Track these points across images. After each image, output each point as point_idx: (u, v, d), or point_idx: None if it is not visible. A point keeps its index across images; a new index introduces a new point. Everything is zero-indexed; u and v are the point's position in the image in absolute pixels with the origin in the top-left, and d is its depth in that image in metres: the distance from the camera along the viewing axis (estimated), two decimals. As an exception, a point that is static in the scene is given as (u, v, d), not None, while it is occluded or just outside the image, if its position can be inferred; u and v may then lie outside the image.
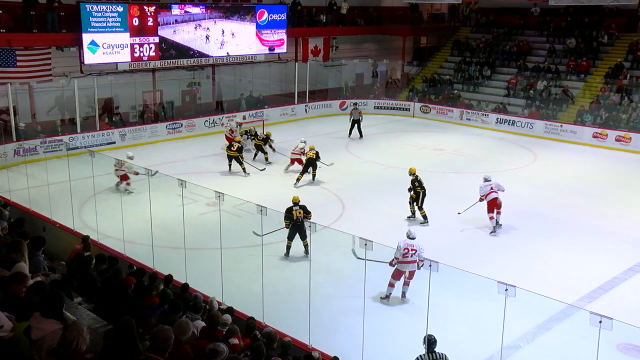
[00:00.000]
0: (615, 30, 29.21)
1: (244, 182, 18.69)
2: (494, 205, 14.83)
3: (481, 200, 14.98)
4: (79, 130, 21.96)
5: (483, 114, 27.67)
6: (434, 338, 7.70)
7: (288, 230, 12.87)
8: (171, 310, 7.39)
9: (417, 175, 15.57)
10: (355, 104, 25.76)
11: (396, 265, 11.10)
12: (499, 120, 26.99)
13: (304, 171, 18.30)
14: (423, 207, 15.38)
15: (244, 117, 25.41)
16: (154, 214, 12.27)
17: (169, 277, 9.59)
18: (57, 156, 19.54)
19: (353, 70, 34.25)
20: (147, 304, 7.91)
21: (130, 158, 17.24)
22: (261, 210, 9.61)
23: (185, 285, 9.39)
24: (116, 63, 22.98)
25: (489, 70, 30.88)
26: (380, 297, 11.31)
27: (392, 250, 10.75)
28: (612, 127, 24.46)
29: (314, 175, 18.54)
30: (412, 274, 11.21)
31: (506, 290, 7.24)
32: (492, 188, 14.90)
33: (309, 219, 12.71)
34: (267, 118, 25.81)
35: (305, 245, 12.80)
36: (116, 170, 16.67)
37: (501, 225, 14.90)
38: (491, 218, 14.86)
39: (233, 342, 7.23)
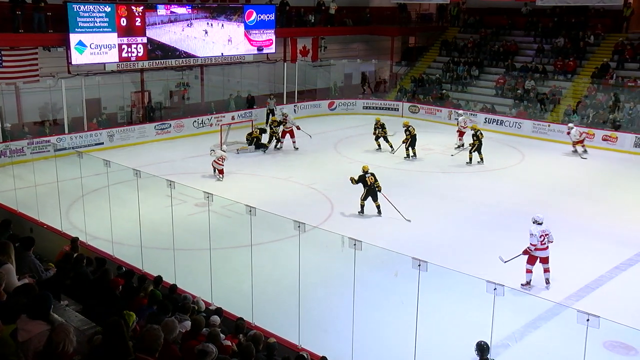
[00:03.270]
0: (601, 31, 29.43)
1: (233, 182, 18.65)
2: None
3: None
4: (66, 131, 21.82)
5: (471, 114, 27.74)
6: (487, 344, 7.47)
7: (365, 193, 15.75)
8: (160, 311, 7.36)
9: (409, 125, 21.28)
10: (270, 96, 27.72)
11: (532, 252, 11.78)
12: (487, 120, 27.10)
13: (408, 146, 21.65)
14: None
15: (233, 118, 25.39)
16: (142, 214, 12.20)
17: (159, 278, 9.54)
18: (44, 157, 19.41)
19: (342, 70, 34.28)
20: (135, 305, 7.87)
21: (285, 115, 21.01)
22: (250, 211, 9.59)
23: (174, 287, 9.35)
24: (104, 63, 22.82)
25: (477, 70, 31.01)
26: (521, 284, 11.82)
27: (382, 251, 10.76)
28: (598, 126, 24.64)
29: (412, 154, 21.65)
30: (545, 259, 11.85)
31: (495, 289, 7.27)
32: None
33: (379, 188, 15.67)
34: (256, 118, 25.79)
35: (378, 206, 15.75)
36: (284, 130, 20.84)
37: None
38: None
39: (226, 343, 7.21)
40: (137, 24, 23.38)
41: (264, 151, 22.19)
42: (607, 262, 13.10)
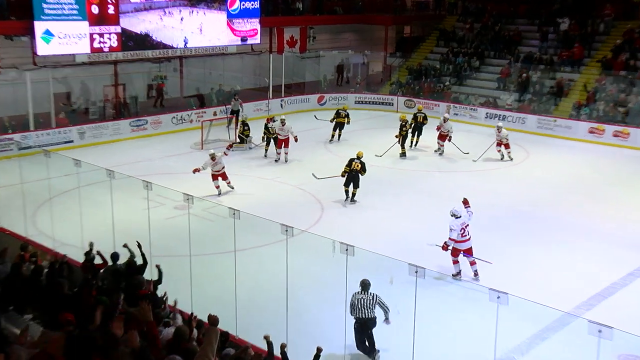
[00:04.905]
0: (611, 17, 29.35)
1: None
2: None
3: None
4: (31, 128, 21.61)
5: (471, 109, 27.81)
6: (369, 282, 9.59)
7: (345, 178, 16.69)
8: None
9: (407, 120, 21.78)
10: (235, 96, 25.90)
11: (451, 246, 12.27)
12: (488, 115, 27.14)
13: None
14: (404, 145, 21.58)
15: (215, 114, 25.29)
16: (116, 218, 12.12)
17: (115, 255, 9.72)
18: (6, 156, 19.25)
19: (332, 62, 34.27)
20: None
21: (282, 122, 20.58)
22: (234, 214, 9.51)
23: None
24: (73, 54, 22.64)
25: (477, 61, 31.06)
26: (452, 275, 12.36)
27: (375, 256, 10.69)
28: (609, 121, 24.68)
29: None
30: (469, 250, 12.34)
31: (498, 297, 7.22)
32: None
33: (363, 175, 16.69)
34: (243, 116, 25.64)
35: (354, 194, 16.74)
36: (279, 139, 20.54)
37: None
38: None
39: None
40: (110, 11, 23.22)
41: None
42: (619, 268, 13.09)
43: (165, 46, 25.33)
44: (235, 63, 29.49)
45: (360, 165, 16.68)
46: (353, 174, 16.68)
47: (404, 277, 10.91)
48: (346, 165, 16.80)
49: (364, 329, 9.62)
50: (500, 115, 26.80)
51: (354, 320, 9.62)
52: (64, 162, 13.03)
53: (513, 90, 28.37)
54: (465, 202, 12.79)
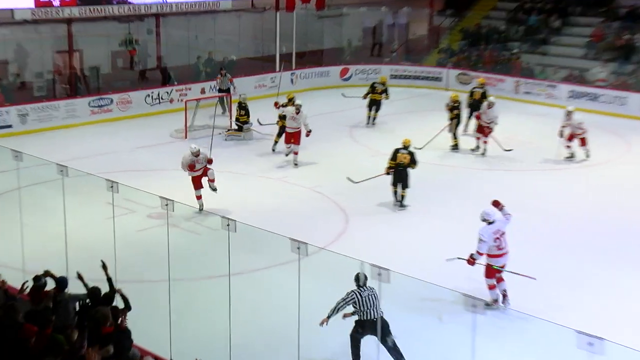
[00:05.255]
0: None
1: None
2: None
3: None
4: (-45, 108, 21.91)
5: (549, 85, 27.64)
6: (365, 276, 9.79)
7: (391, 176, 17.00)
8: None
9: (459, 101, 21.92)
10: (222, 68, 25.82)
11: (482, 261, 12.16)
12: (573, 93, 26.98)
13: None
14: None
15: (203, 91, 25.36)
16: (70, 229, 12.14)
17: (63, 280, 9.73)
18: None
19: (359, 23, 34.25)
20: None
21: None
22: (228, 225, 9.50)
23: None
24: (11, 9, 22.80)
25: (558, 20, 30.88)
26: (485, 304, 11.68)
27: (418, 283, 10.64)
28: None
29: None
30: (503, 267, 12.25)
31: (590, 344, 7.13)
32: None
33: (413, 168, 16.93)
34: (240, 93, 25.70)
35: (403, 196, 17.01)
36: (287, 132, 20.19)
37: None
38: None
39: None
40: (63, -47, 23.42)
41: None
42: None
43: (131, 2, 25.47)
44: (230, 23, 29.58)
45: (409, 157, 16.86)
46: (400, 169, 16.85)
47: (457, 312, 10.88)
48: (390, 159, 16.97)
49: (374, 334, 9.85)
50: (590, 94, 26.64)
51: (357, 323, 10.05)
52: (1, 153, 13.13)
53: (608, 60, 28.17)
54: (497, 204, 12.50)
